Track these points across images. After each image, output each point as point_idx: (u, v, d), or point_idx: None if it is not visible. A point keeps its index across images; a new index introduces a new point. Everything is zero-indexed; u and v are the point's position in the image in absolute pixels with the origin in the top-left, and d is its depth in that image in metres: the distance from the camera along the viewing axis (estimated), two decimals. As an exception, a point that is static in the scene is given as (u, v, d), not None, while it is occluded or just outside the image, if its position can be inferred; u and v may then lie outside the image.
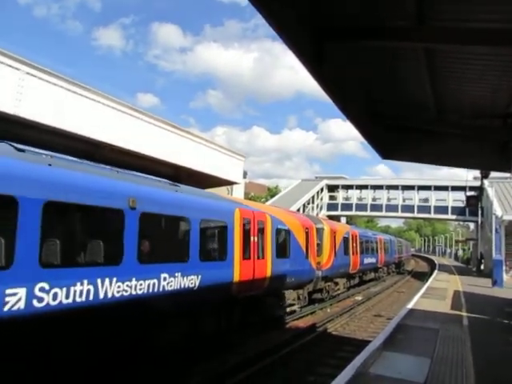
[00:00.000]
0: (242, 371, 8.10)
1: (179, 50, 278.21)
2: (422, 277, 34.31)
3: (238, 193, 22.57)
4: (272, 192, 57.50)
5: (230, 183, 21.03)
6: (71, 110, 11.80)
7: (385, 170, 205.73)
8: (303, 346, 10.53)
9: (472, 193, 31.92)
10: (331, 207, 47.73)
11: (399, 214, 46.33)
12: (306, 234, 14.84)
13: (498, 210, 26.58)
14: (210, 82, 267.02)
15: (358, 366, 6.51)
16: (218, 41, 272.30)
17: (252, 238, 10.88)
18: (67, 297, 5.77)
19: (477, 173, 31.36)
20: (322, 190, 47.58)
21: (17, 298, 5.13)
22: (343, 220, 49.70)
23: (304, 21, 5.76)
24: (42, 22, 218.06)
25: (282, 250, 12.69)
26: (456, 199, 42.75)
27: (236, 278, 9.91)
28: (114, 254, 6.72)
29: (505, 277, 22.31)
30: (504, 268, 23.20)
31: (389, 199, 46.44)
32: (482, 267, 31.55)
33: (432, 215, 44.84)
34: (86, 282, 6.02)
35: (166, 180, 9.16)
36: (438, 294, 17.12)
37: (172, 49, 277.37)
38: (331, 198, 48.52)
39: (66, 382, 5.91)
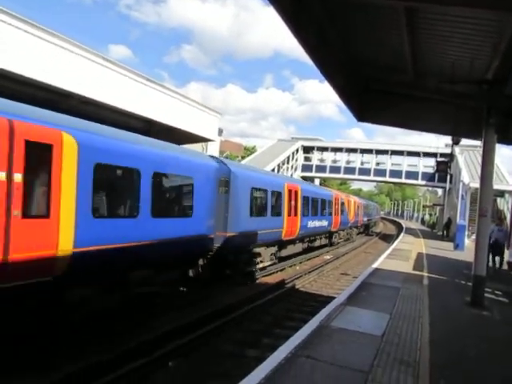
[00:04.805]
0: (211, 322, 8.32)
1: (152, 1, 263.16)
2: (389, 239, 35.65)
3: (212, 150, 22.28)
4: (249, 152, 57.21)
5: (204, 140, 20.68)
6: (34, 56, 11.02)
7: (359, 134, 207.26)
8: (271, 301, 10.85)
9: (442, 159, 32.71)
10: (306, 168, 48.11)
11: (371, 177, 47.23)
12: (348, 203, 29.31)
13: (465, 177, 27.46)
14: (185, 36, 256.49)
15: (322, 319, 6.78)
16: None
17: (338, 206, 25.51)
18: (311, 225, 19.34)
19: (448, 140, 32.01)
20: (297, 150, 47.69)
21: (305, 224, 18.20)
22: (317, 182, 50.30)
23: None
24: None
25: (343, 212, 26.95)
26: (427, 165, 43.85)
27: (333, 223, 24.03)
28: (315, 210, 20.15)
29: (466, 241, 23.39)
30: (466, 233, 24.29)
31: (362, 163, 47.15)
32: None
33: (403, 180, 45.98)
34: (314, 221, 19.86)
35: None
36: (402, 255, 17.85)
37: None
38: (306, 159, 48.80)
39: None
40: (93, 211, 6.81)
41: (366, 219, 40.20)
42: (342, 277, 15.61)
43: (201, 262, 10.97)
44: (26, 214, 5.72)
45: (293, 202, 16.58)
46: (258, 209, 13.65)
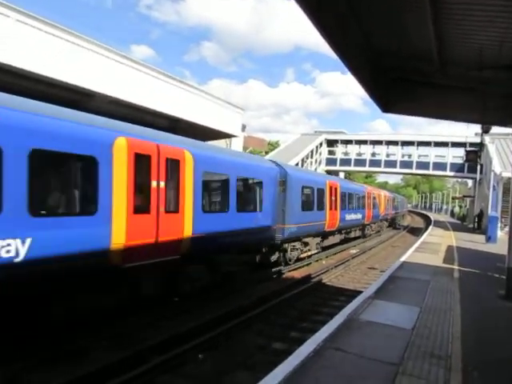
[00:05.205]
0: (239, 316, 8.40)
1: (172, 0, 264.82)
2: (417, 232, 34.92)
3: (236, 146, 22.36)
4: (273, 147, 57.20)
5: (228, 136, 20.80)
6: (58, 57, 11.35)
7: (383, 126, 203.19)
8: (297, 295, 10.86)
9: (472, 148, 31.72)
10: (330, 162, 47.60)
11: (398, 169, 46.22)
12: (379, 197, 31.19)
13: (497, 166, 26.52)
14: (204, 34, 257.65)
15: (350, 312, 6.75)
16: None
17: (370, 201, 27.36)
18: (348, 218, 21.39)
19: (478, 129, 30.99)
20: (321, 144, 47.23)
21: (343, 217, 20.21)
22: (341, 175, 49.75)
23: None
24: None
25: (374, 206, 28.79)
26: (455, 156, 42.53)
27: (366, 216, 25.90)
28: (351, 205, 22.26)
29: (499, 233, 22.64)
30: (499, 225, 23.49)
31: (388, 155, 46.19)
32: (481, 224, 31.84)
33: (431, 171, 44.76)
34: (351, 214, 22.00)
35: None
36: (431, 248, 17.48)
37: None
38: (330, 152, 48.25)
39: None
40: (202, 207, 8.99)
41: (393, 212, 41.29)
42: (369, 271, 15.43)
43: (263, 249, 12.96)
44: (166, 210, 7.94)
45: (333, 198, 18.73)
46: (307, 204, 15.71)
